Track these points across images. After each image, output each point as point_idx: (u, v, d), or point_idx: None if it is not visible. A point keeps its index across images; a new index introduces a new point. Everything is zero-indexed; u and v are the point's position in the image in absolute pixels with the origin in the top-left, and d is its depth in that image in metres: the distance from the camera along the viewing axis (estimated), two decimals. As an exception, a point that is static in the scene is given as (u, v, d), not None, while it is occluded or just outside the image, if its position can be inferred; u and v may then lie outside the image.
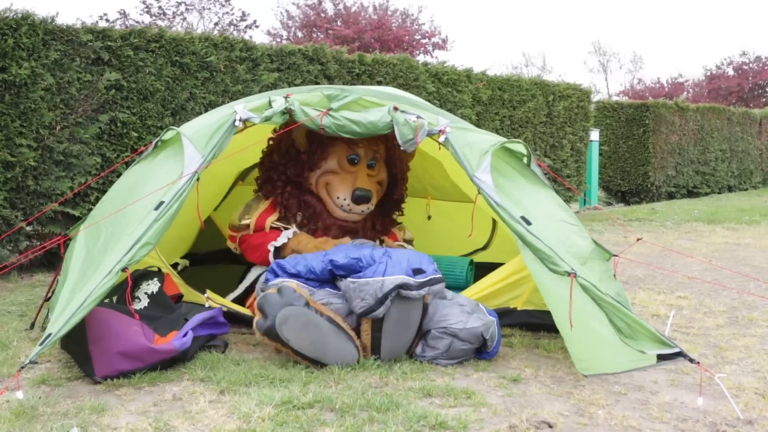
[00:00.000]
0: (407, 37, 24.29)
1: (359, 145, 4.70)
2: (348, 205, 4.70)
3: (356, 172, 4.73)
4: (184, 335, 3.66)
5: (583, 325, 3.47)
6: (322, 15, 25.49)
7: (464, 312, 3.82)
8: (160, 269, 4.29)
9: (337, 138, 4.42)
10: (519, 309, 4.44)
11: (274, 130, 4.67)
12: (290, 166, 4.77)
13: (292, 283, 3.83)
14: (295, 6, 26.34)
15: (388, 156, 4.92)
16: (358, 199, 4.66)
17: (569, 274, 3.42)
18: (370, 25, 23.78)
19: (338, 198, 4.71)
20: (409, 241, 5.20)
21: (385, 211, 5.03)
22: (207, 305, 4.33)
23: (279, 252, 4.56)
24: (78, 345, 3.50)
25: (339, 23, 24.82)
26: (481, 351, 3.85)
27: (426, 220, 5.92)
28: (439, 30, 25.93)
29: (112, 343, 3.43)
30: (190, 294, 4.50)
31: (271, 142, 4.87)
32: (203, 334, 3.84)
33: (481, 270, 5.01)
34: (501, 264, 4.60)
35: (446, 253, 5.98)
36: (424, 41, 25.22)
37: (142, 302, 4.00)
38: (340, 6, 25.69)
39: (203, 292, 4.45)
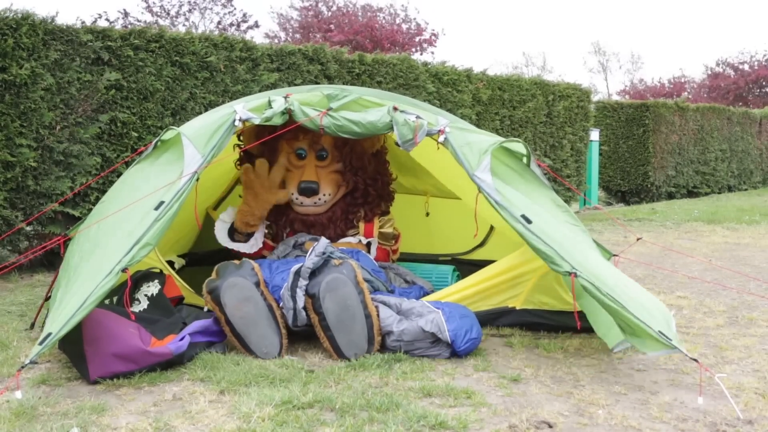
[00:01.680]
0: (400, 36, 24.28)
1: (301, 138, 4.77)
2: (297, 198, 4.81)
3: (304, 166, 4.83)
4: (181, 339, 3.65)
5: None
6: (319, 17, 25.50)
7: (394, 313, 3.99)
8: (161, 271, 4.29)
9: (282, 136, 4.55)
10: (518, 308, 4.44)
11: (239, 137, 4.78)
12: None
13: (255, 263, 4.06)
14: (293, 9, 26.39)
15: (337, 145, 4.86)
16: (303, 191, 4.76)
17: (570, 273, 3.42)
18: (362, 27, 23.79)
19: (290, 193, 4.84)
20: (387, 236, 5.13)
21: (354, 201, 4.99)
22: (206, 308, 4.34)
23: (233, 233, 4.84)
24: (74, 345, 3.50)
25: (333, 27, 24.81)
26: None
27: (424, 217, 5.94)
28: (426, 24, 25.81)
29: (107, 344, 3.43)
30: (188, 295, 4.50)
31: (239, 152, 4.91)
32: (201, 341, 3.82)
33: (478, 268, 5.01)
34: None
35: (444, 249, 6.01)
36: (416, 39, 25.21)
37: (142, 304, 3.98)
38: (334, 8, 25.70)
39: (203, 294, 4.46)
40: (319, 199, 4.82)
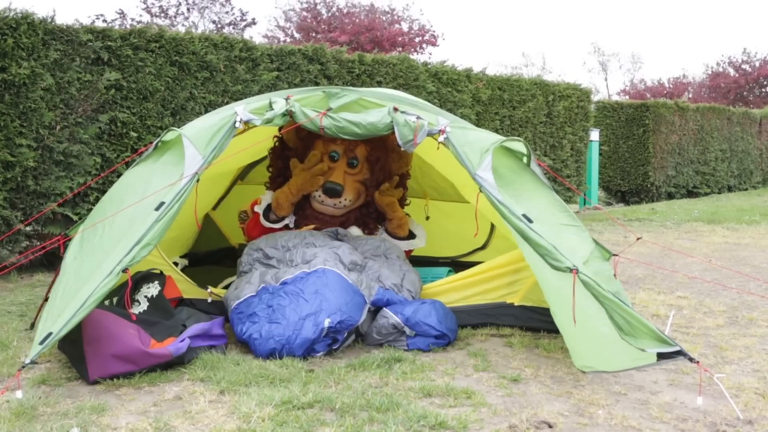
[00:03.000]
0: (401, 38, 24.26)
1: (339, 143, 4.92)
2: (320, 196, 4.94)
3: (334, 168, 4.96)
4: (181, 341, 3.65)
5: (583, 323, 3.47)
6: (318, 18, 25.48)
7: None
8: (161, 272, 4.29)
9: (320, 135, 4.62)
10: (516, 304, 4.45)
11: (279, 128, 4.90)
12: (281, 160, 5.13)
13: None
14: (292, 10, 26.34)
15: (369, 158, 5.05)
16: (327, 191, 4.89)
17: (571, 270, 3.41)
18: (363, 28, 23.77)
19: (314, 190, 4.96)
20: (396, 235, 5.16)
21: (368, 213, 5.15)
22: (210, 300, 4.43)
23: (268, 214, 4.98)
24: (74, 345, 3.50)
25: (335, 28, 24.79)
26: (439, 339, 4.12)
27: (424, 220, 5.95)
28: (430, 26, 25.80)
29: (107, 345, 3.43)
30: (191, 289, 4.51)
31: (275, 140, 5.16)
32: (200, 345, 3.82)
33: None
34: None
35: (445, 252, 6.02)
36: (417, 39, 25.20)
37: (142, 306, 3.98)
38: (334, 9, 25.69)
39: (205, 289, 4.50)
40: (340, 203, 4.96)
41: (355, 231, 4.99)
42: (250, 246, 4.60)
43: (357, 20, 24.53)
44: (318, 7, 25.77)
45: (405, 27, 25.26)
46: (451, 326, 4.13)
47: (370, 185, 5.10)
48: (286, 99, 4.14)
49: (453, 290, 4.53)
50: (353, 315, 3.95)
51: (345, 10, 25.28)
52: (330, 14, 25.60)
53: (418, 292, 4.53)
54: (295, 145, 5.04)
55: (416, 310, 4.07)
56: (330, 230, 4.82)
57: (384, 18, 24.98)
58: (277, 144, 5.17)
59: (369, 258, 4.59)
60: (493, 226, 5.74)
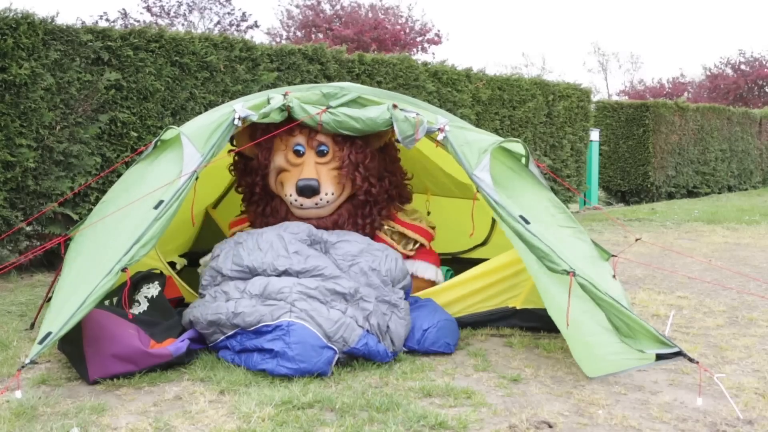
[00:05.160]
0: (403, 36, 24.27)
1: (297, 134, 4.39)
2: (296, 200, 4.38)
3: (302, 164, 4.40)
4: (181, 342, 3.65)
5: (581, 325, 3.47)
6: (321, 15, 25.49)
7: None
8: (161, 272, 4.29)
9: (277, 134, 4.31)
10: (519, 308, 4.44)
11: (231, 142, 4.51)
12: (246, 175, 4.62)
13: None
14: (295, 6, 26.33)
15: (336, 139, 4.41)
16: (302, 190, 4.30)
17: (568, 272, 3.41)
18: (367, 26, 23.78)
19: (288, 195, 4.43)
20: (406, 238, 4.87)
21: (360, 202, 4.56)
22: None
23: None
24: (73, 346, 3.50)
25: (338, 23, 24.81)
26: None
27: (425, 215, 5.94)
28: (432, 25, 25.81)
29: (106, 345, 3.43)
30: (189, 296, 4.50)
31: (233, 156, 4.68)
32: (200, 346, 3.82)
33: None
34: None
35: (445, 248, 6.01)
36: (419, 39, 25.21)
37: (142, 306, 3.98)
38: (338, 6, 25.70)
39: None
40: (321, 200, 4.37)
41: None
42: (213, 263, 4.06)
43: (363, 17, 24.53)
44: (322, 4, 25.77)
45: (407, 27, 25.24)
46: (455, 340, 4.04)
47: (344, 167, 4.43)
48: (284, 95, 4.14)
49: (454, 301, 4.42)
50: (319, 372, 3.50)
51: (349, 9, 25.28)
52: (333, 11, 25.60)
53: (402, 344, 3.91)
54: (253, 152, 4.48)
55: (423, 339, 3.92)
56: (302, 234, 4.15)
57: (386, 17, 24.96)
58: (236, 158, 4.64)
59: (351, 273, 3.96)
60: (494, 222, 5.74)
